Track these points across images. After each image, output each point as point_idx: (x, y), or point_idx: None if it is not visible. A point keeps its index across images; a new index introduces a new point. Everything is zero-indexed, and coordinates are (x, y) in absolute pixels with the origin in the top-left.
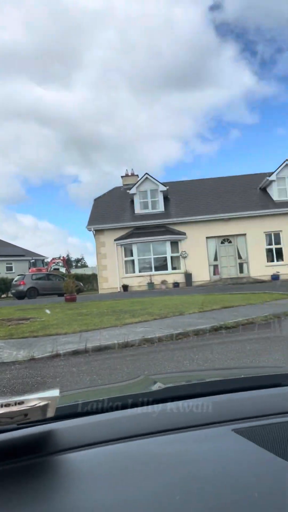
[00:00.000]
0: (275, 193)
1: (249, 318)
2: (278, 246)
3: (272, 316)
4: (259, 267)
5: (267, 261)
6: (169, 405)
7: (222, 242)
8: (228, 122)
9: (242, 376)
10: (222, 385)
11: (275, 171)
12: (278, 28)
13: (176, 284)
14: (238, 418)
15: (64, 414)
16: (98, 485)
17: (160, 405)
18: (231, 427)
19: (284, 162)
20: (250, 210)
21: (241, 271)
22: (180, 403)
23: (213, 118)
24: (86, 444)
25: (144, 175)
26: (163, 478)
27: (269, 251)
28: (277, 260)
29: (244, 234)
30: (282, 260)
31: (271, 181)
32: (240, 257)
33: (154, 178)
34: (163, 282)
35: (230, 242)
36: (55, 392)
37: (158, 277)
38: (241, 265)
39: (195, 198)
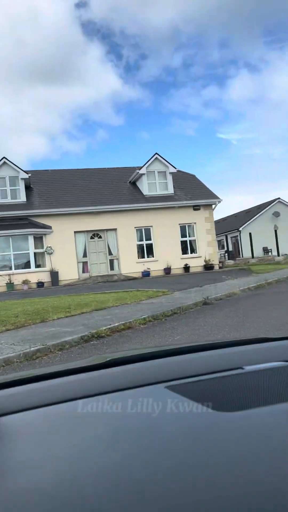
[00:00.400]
0: (145, 187)
1: (126, 322)
2: (148, 242)
3: (151, 318)
4: (130, 264)
5: (138, 258)
6: (105, 371)
7: (91, 238)
8: (95, 122)
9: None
10: (159, 353)
11: (144, 164)
12: (142, 35)
13: (40, 284)
14: (173, 378)
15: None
16: (28, 444)
17: (94, 372)
18: (164, 385)
19: (153, 155)
20: (121, 204)
21: (112, 268)
22: (116, 368)
23: (80, 116)
24: (20, 409)
25: (2, 159)
26: (91, 433)
27: (140, 247)
28: (148, 257)
29: (115, 229)
30: (153, 256)
31: (141, 175)
32: (110, 253)
33: (13, 163)
34: (25, 282)
35: (100, 237)
36: None
37: (19, 276)
38: (111, 262)
39: (61, 189)
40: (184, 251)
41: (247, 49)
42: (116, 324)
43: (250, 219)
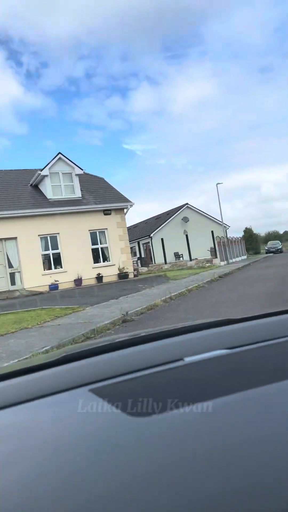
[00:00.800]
0: (48, 190)
1: (21, 358)
2: (55, 251)
3: (56, 349)
4: (35, 277)
5: (44, 269)
6: (26, 377)
7: None
8: None
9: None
10: (81, 354)
11: (47, 165)
12: (43, 43)
13: None
14: (97, 380)
15: None
16: None
17: (17, 378)
18: (87, 388)
19: (57, 155)
20: (21, 209)
21: (13, 282)
22: (40, 373)
23: None
24: None
25: None
26: (4, 450)
27: (46, 257)
28: (55, 267)
29: (15, 238)
30: (61, 267)
31: (44, 177)
32: (11, 266)
33: None
34: None
35: None
36: None
37: None
38: (12, 276)
39: None
40: (96, 259)
41: (147, 63)
42: (5, 364)
43: (160, 225)
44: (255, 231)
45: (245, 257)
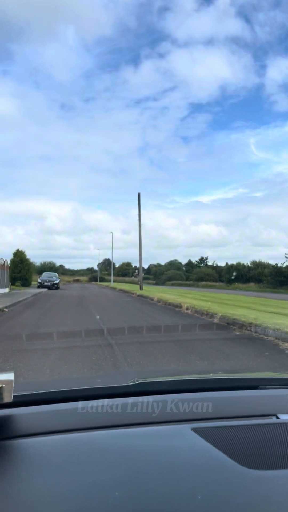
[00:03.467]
0: None
1: None
2: None
3: None
4: None
5: None
6: (131, 400)
7: None
8: None
9: (211, 375)
10: (188, 384)
11: None
12: None
13: None
14: (199, 418)
15: (23, 401)
16: (49, 472)
17: (122, 399)
18: (190, 426)
19: None
20: None
21: None
22: (142, 398)
23: None
24: (42, 432)
25: None
26: (110, 472)
27: None
28: None
29: None
30: None
31: None
32: None
33: None
34: None
35: None
36: (10, 376)
37: None
38: None
39: None
40: None
41: None
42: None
43: None
44: (31, 259)
45: (6, 290)
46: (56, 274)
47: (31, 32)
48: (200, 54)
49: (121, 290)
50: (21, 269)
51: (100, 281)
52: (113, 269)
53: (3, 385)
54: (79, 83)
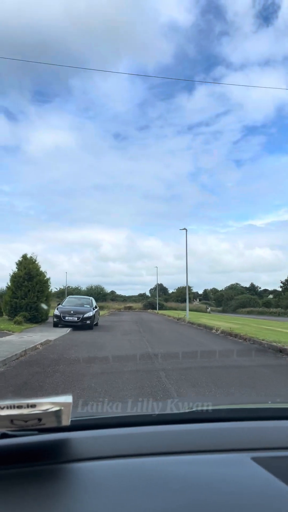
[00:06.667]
0: None
1: None
2: None
3: None
4: None
5: None
6: (189, 427)
7: None
8: None
9: (269, 403)
10: (248, 413)
11: None
12: None
13: None
14: (259, 447)
15: (81, 425)
16: (106, 498)
17: (180, 426)
18: (250, 455)
19: None
20: None
21: None
22: (201, 425)
23: None
24: (100, 456)
25: None
26: (170, 499)
27: None
28: None
29: None
30: None
31: None
32: None
33: None
34: None
35: None
36: (68, 398)
37: None
38: None
39: None
40: None
41: (11, 97)
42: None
43: None
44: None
45: None
46: (91, 299)
47: (91, 65)
48: (256, 75)
49: (227, 334)
50: (29, 290)
51: (159, 308)
52: (167, 294)
53: (62, 408)
54: (133, 112)
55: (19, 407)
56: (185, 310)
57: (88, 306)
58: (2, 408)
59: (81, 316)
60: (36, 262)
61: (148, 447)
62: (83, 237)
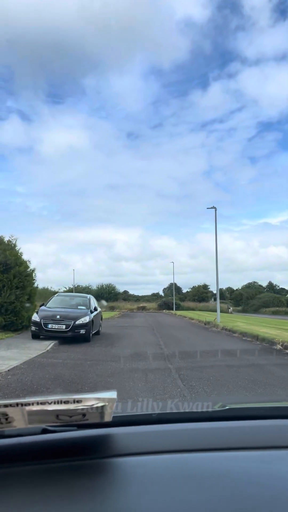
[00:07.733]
0: None
1: None
2: None
3: None
4: None
5: None
6: (231, 424)
7: None
8: None
9: None
10: (280, 411)
11: None
12: None
13: None
14: None
15: (120, 421)
16: (149, 493)
17: (220, 423)
18: None
19: None
20: None
21: None
22: (243, 422)
23: None
24: (141, 452)
25: None
26: (213, 494)
27: None
28: None
29: None
30: None
31: None
32: None
33: None
34: None
35: None
36: (112, 394)
37: None
38: None
39: None
40: None
41: (25, 97)
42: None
43: None
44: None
45: None
46: (89, 297)
47: (106, 63)
48: (272, 70)
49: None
50: (4, 286)
51: (176, 308)
52: (181, 293)
53: (107, 404)
54: (146, 111)
55: (66, 402)
56: (206, 310)
57: (84, 308)
58: (50, 403)
59: (71, 323)
60: (17, 249)
61: (187, 443)
62: (96, 237)
